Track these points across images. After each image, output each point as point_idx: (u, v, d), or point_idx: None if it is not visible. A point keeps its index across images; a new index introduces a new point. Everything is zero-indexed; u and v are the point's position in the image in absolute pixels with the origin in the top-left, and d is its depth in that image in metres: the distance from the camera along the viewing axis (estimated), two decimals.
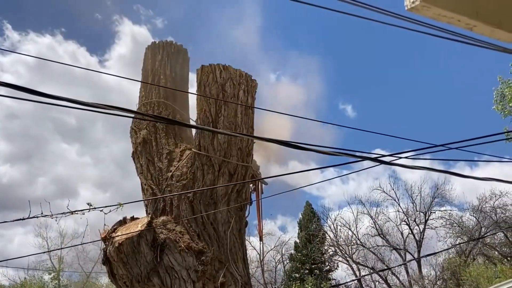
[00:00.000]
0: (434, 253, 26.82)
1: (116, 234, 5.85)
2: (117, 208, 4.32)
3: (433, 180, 32.55)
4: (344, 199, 47.72)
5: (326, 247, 33.66)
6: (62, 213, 4.04)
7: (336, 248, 32.04)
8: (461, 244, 27.53)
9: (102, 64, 45.81)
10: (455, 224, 29.31)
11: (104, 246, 6.02)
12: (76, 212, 4.01)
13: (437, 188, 30.21)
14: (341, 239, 31.39)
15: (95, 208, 4.09)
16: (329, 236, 32.42)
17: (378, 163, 4.74)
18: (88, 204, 4.02)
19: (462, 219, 29.52)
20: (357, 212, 31.43)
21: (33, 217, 4.00)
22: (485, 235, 27.25)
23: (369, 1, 2.49)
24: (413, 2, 1.45)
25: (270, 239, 34.28)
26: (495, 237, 27.68)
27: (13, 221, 4.18)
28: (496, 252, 27.85)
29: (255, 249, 29.82)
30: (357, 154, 4.39)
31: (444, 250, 26.84)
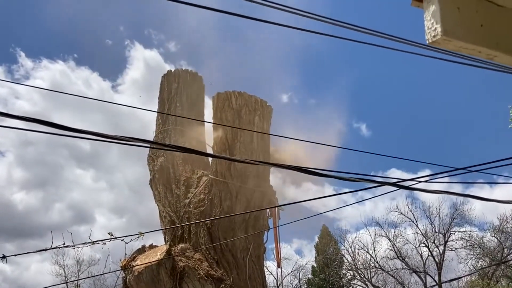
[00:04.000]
0: (457, 278, 26.12)
1: (136, 263, 5.86)
2: (138, 237, 4.35)
3: (451, 200, 31.98)
4: (361, 220, 46.93)
5: (344, 271, 33.10)
6: (83, 243, 4.07)
7: (355, 271, 31.48)
8: (483, 266, 26.82)
9: (115, 89, 46.48)
10: (475, 245, 28.63)
11: (124, 274, 6.03)
12: (98, 242, 4.04)
13: (456, 209, 29.61)
14: (359, 263, 30.87)
15: (116, 238, 4.11)
16: (347, 259, 31.92)
17: (397, 188, 4.70)
18: (109, 234, 4.06)
19: (483, 240, 28.83)
20: (375, 234, 30.91)
21: (56, 247, 4.03)
22: (508, 257, 26.54)
23: (390, 30, 2.53)
24: (434, 36, 1.48)
25: (287, 263, 33.84)
26: None
27: (36, 252, 4.22)
28: None
29: (271, 274, 29.44)
30: (376, 179, 4.38)
31: (467, 275, 26.13)
